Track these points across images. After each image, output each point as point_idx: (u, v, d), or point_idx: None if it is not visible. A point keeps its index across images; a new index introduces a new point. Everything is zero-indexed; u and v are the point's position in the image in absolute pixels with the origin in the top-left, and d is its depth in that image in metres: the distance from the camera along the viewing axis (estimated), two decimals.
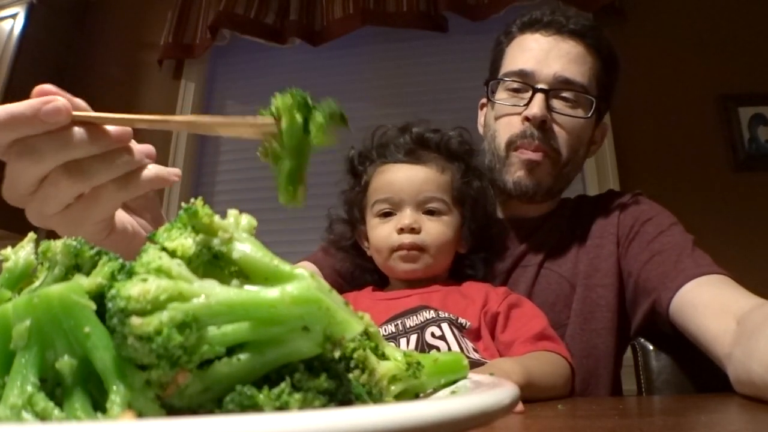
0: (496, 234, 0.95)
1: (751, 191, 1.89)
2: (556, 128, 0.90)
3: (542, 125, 0.89)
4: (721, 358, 0.68)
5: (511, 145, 0.91)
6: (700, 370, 0.78)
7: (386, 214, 0.88)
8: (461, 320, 0.79)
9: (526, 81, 0.91)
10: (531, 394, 0.63)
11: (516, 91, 0.93)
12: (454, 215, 0.88)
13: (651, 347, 0.89)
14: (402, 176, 0.88)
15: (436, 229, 0.86)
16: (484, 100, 1.04)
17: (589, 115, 0.91)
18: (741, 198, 1.88)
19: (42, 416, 0.22)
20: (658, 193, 1.00)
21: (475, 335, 0.80)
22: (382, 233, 0.87)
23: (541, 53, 0.91)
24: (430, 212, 0.86)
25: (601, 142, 1.03)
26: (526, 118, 0.89)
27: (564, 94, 0.91)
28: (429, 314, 0.79)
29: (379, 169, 0.91)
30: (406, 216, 0.85)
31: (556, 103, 0.91)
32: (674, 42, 2.06)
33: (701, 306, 0.74)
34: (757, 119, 1.96)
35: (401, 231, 0.85)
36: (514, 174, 0.91)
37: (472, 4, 2.13)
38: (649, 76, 2.04)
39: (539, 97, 0.89)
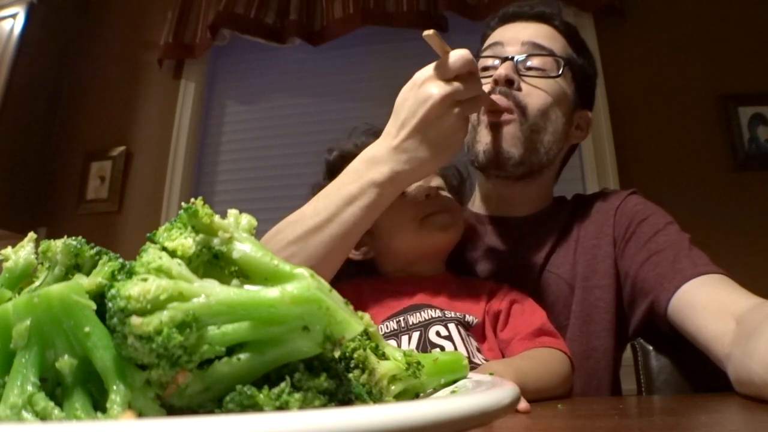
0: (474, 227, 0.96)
1: (751, 191, 1.89)
2: (525, 87, 0.88)
3: (509, 84, 0.87)
4: (721, 358, 0.68)
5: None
6: (700, 370, 0.78)
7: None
8: (468, 318, 0.78)
9: (496, 54, 0.92)
10: (526, 397, 0.62)
11: (487, 69, 0.93)
12: None
13: (651, 347, 0.89)
14: None
15: (449, 197, 0.86)
16: None
17: (559, 72, 0.90)
18: (741, 198, 1.88)
19: (42, 416, 0.22)
20: (657, 193, 1.00)
21: (480, 333, 0.79)
22: (402, 205, 0.82)
23: (510, 31, 0.95)
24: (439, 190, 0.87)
25: (587, 130, 0.99)
26: (495, 82, 0.88)
27: (533, 63, 0.90)
28: (434, 313, 0.77)
29: None
30: (428, 182, 0.85)
31: (526, 72, 0.89)
32: (674, 42, 2.06)
33: (700, 306, 0.74)
34: (757, 119, 1.96)
35: (427, 196, 0.84)
36: (483, 142, 0.89)
37: (472, 4, 2.13)
38: (648, 76, 2.04)
39: (507, 62, 0.89)
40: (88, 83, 2.55)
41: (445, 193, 0.88)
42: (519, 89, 0.87)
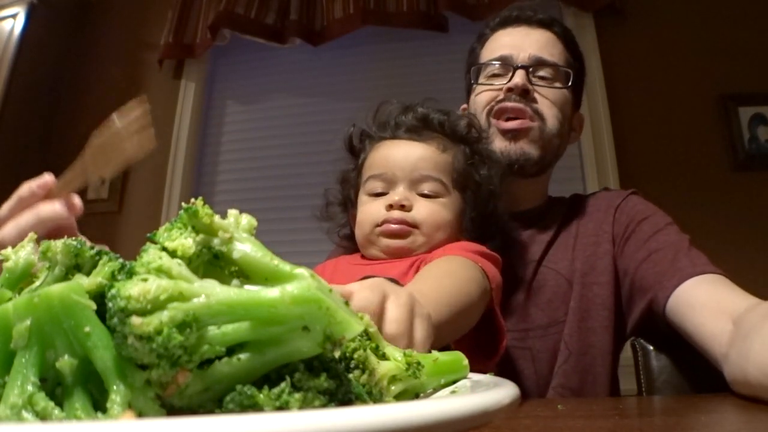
0: (502, 227, 0.90)
1: (750, 191, 1.89)
2: (539, 97, 0.94)
3: (525, 94, 0.92)
4: (718, 358, 0.68)
5: (492, 111, 0.94)
6: (699, 370, 0.78)
7: (378, 195, 0.83)
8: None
9: (505, 62, 0.96)
10: (452, 316, 0.57)
11: (496, 76, 0.98)
12: (452, 198, 0.82)
13: (651, 347, 0.89)
14: (398, 152, 0.84)
15: (428, 208, 0.80)
16: (465, 105, 1.07)
17: (569, 84, 0.96)
18: (741, 198, 1.88)
19: (42, 416, 0.22)
20: (657, 193, 1.00)
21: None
22: (370, 209, 0.83)
23: (516, 41, 0.98)
24: (425, 195, 0.81)
25: (580, 131, 1.06)
26: (509, 89, 0.93)
27: (542, 73, 0.95)
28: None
29: (376, 145, 0.88)
30: (398, 193, 0.81)
31: (536, 80, 0.94)
32: (674, 42, 2.06)
33: (698, 305, 0.74)
34: (757, 119, 1.96)
35: (390, 207, 0.80)
36: (500, 145, 0.93)
37: (472, 4, 2.13)
38: (649, 76, 2.04)
39: (520, 72, 0.93)
40: (88, 83, 2.55)
41: (421, 207, 0.80)
42: (534, 100, 0.93)
